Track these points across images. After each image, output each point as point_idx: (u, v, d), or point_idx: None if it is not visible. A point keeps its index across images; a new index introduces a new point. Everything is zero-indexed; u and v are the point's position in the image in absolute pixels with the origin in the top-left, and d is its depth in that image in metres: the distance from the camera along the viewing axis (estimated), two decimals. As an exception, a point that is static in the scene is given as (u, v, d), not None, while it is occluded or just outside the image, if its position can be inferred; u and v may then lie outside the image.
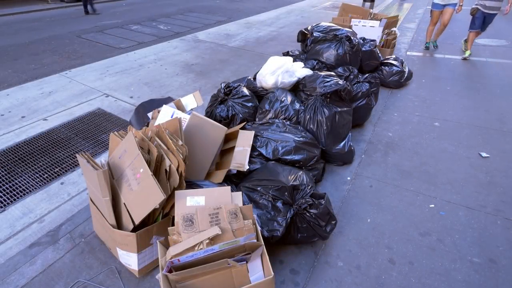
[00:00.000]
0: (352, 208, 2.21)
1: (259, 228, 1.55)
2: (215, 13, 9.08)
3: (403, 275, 1.76)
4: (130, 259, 1.64)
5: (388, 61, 4.18)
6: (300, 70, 2.95)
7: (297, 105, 2.63)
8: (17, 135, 3.02)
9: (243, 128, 2.34)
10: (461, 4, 4.96)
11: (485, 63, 4.91)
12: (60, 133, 3.07)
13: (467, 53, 5.20)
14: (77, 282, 1.68)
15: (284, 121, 2.46)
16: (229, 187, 1.62)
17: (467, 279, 1.74)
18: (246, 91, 2.73)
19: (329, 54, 3.48)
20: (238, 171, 2.02)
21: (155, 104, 2.50)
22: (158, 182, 1.45)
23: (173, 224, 1.57)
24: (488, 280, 1.74)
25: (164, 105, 2.12)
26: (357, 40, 3.61)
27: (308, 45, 3.73)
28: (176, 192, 1.53)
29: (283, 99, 2.62)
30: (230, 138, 2.26)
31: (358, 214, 2.16)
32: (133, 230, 1.53)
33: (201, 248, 1.32)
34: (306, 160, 2.21)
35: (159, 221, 1.63)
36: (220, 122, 2.45)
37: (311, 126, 2.50)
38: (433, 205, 2.25)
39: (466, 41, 5.42)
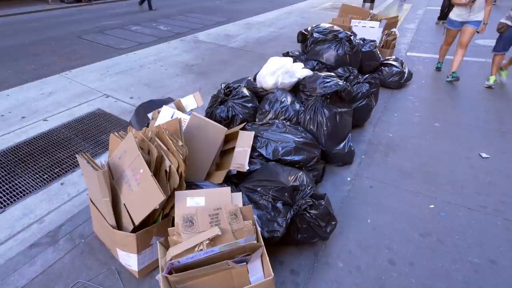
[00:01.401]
0: (352, 208, 2.21)
1: (259, 229, 1.55)
2: (215, 14, 9.09)
3: (403, 275, 1.75)
4: (130, 260, 1.64)
5: (388, 61, 4.18)
6: (300, 71, 2.95)
7: (297, 106, 2.63)
8: (17, 136, 3.02)
9: (243, 128, 2.34)
10: (485, 22, 3.87)
11: (485, 64, 4.90)
12: (60, 134, 3.07)
13: (492, 79, 4.12)
14: (77, 283, 1.68)
15: (284, 121, 2.46)
16: (229, 187, 1.62)
17: (468, 279, 1.74)
18: (246, 91, 2.73)
19: (329, 54, 3.48)
20: (238, 171, 2.02)
21: (155, 104, 2.50)
22: (158, 182, 1.45)
23: (173, 225, 1.56)
24: (488, 280, 1.73)
25: (164, 106, 2.12)
26: (357, 41, 3.62)
27: (308, 45, 3.74)
28: (176, 192, 1.53)
29: (283, 100, 2.62)
30: (230, 139, 2.26)
31: (358, 215, 2.16)
32: (133, 231, 1.53)
33: (201, 249, 1.31)
34: (306, 161, 2.21)
35: (159, 221, 1.62)
36: (220, 122, 2.44)
37: (311, 126, 2.50)
38: (433, 206, 2.24)
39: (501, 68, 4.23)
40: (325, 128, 2.48)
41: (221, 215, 1.44)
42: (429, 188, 2.40)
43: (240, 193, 1.62)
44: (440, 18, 7.84)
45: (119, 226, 1.58)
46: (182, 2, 10.73)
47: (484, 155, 2.79)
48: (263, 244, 1.45)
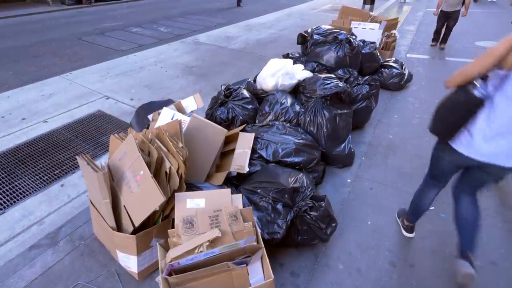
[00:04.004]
0: (353, 210, 2.21)
1: (259, 231, 1.54)
2: (216, 15, 9.11)
3: (404, 277, 1.75)
4: (130, 262, 1.63)
5: (388, 63, 4.19)
6: (300, 72, 2.96)
7: (297, 107, 2.63)
8: (18, 137, 3.02)
9: (243, 130, 2.34)
10: None
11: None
12: (60, 135, 3.07)
13: None
14: (77, 285, 1.67)
15: (284, 123, 2.46)
16: (229, 189, 1.62)
17: (468, 282, 1.73)
18: (246, 93, 2.73)
19: (329, 56, 3.49)
20: (238, 173, 2.02)
21: (155, 106, 2.50)
22: (158, 184, 1.45)
23: (173, 227, 1.56)
24: (489, 282, 1.73)
25: (164, 107, 2.12)
26: (357, 43, 3.62)
27: (308, 47, 3.74)
28: (176, 194, 1.53)
29: (283, 101, 2.62)
30: (230, 140, 2.26)
31: (358, 217, 2.15)
32: (133, 233, 1.53)
33: (201, 251, 1.31)
34: (306, 162, 2.21)
35: (159, 223, 1.62)
36: (220, 124, 2.44)
37: (311, 128, 2.50)
38: (433, 208, 2.24)
39: None
40: (325, 130, 2.48)
41: (221, 217, 1.44)
42: (430, 190, 2.40)
43: (240, 194, 1.62)
44: (435, 40, 6.12)
45: (119, 227, 1.58)
46: (183, 4, 10.76)
47: None
48: (263, 245, 1.45)
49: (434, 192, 1.81)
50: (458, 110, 1.37)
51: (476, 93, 1.24)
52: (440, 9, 5.61)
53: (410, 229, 1.99)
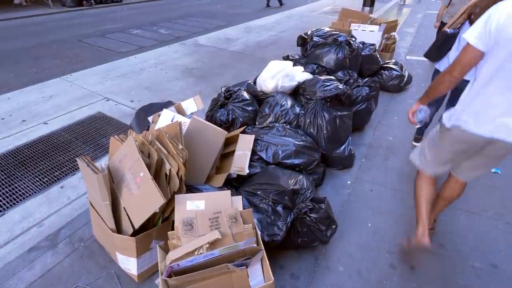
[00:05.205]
0: (353, 212, 2.21)
1: (259, 233, 1.54)
2: (215, 17, 9.14)
3: (404, 280, 1.74)
4: (130, 264, 1.63)
5: (388, 65, 4.19)
6: (300, 74, 2.96)
7: (297, 109, 2.63)
8: (18, 139, 3.02)
9: (243, 132, 2.34)
10: None
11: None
12: (60, 137, 3.07)
13: None
14: (76, 287, 1.67)
15: (284, 125, 2.46)
16: (229, 191, 1.62)
17: (469, 284, 1.73)
18: (246, 95, 2.74)
19: (329, 58, 3.49)
20: (238, 175, 2.02)
21: (155, 108, 2.50)
22: (158, 186, 1.45)
23: (173, 228, 1.56)
24: (489, 285, 1.72)
25: (164, 109, 2.13)
26: (356, 45, 3.63)
27: (308, 49, 3.75)
28: (176, 196, 1.52)
29: (283, 103, 2.62)
30: (230, 142, 2.26)
31: (358, 218, 2.15)
32: (133, 235, 1.53)
33: (201, 253, 1.31)
34: (306, 164, 2.21)
35: (158, 225, 1.62)
36: (220, 126, 2.44)
37: (311, 130, 2.50)
38: (433, 209, 2.24)
39: None
40: (325, 132, 2.48)
41: (221, 219, 1.43)
42: (430, 192, 2.39)
43: (240, 196, 1.62)
44: None
45: (118, 229, 1.57)
46: (183, 6, 10.80)
47: None
48: (263, 247, 1.45)
49: (433, 109, 2.56)
50: (442, 40, 2.32)
51: (450, 31, 2.26)
52: (441, 21, 4.57)
53: (417, 140, 2.91)
